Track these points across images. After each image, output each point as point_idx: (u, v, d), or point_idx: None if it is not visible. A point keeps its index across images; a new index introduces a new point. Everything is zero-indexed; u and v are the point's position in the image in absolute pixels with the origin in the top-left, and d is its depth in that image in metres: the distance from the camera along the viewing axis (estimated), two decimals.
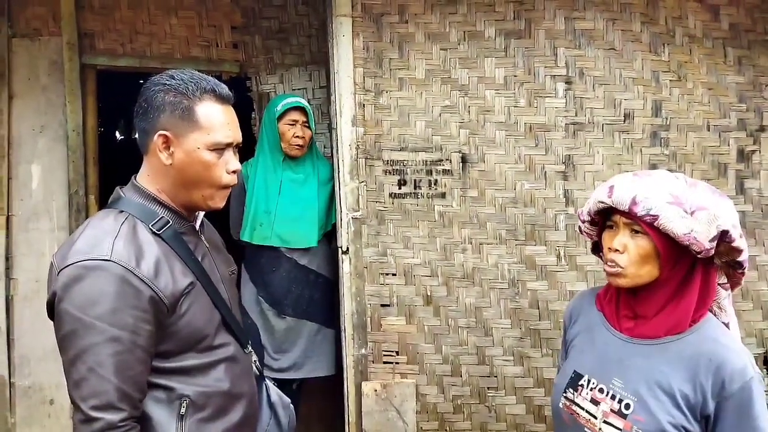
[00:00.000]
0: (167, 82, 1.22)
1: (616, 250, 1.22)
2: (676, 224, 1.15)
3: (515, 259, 2.52)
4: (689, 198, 1.18)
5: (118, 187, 1.29)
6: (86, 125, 2.85)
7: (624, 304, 1.30)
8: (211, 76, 1.29)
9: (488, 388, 2.52)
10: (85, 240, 1.15)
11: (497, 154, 2.51)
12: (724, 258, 1.22)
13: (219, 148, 1.21)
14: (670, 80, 2.53)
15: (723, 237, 1.17)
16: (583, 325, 1.40)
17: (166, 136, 1.21)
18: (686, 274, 1.22)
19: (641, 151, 2.52)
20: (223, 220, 2.67)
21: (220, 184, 1.24)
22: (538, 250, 2.52)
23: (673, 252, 1.20)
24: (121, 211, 1.22)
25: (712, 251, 1.18)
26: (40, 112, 2.83)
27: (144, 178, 1.27)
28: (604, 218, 1.30)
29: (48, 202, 2.84)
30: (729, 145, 2.56)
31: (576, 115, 2.51)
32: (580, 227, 1.39)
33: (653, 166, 2.51)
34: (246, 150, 2.64)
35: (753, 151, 2.58)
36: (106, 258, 1.11)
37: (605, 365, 1.28)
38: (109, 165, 3.21)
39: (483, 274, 2.51)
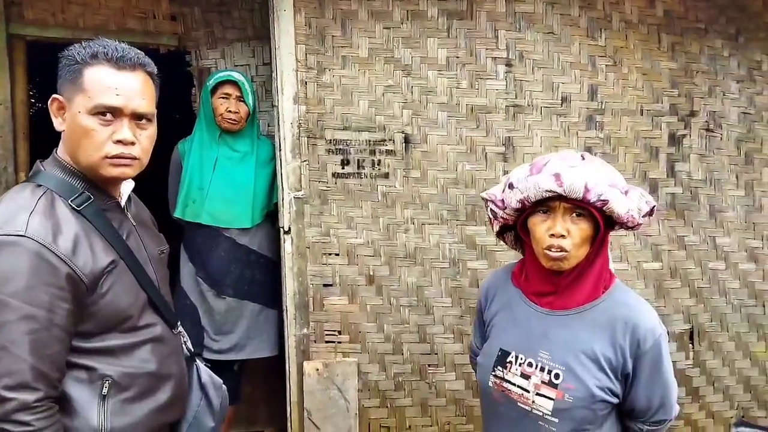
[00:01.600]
0: (69, 49, 1.19)
1: (561, 236, 1.26)
2: (620, 205, 1.25)
3: (456, 239, 2.55)
4: (615, 179, 1.28)
5: (38, 161, 1.25)
6: (15, 98, 2.71)
7: (543, 280, 1.35)
8: (148, 49, 1.24)
9: (429, 365, 2.57)
10: None
11: (439, 134, 2.52)
12: (619, 227, 1.35)
13: (101, 113, 1.16)
14: (606, 65, 2.59)
15: (652, 211, 1.30)
16: (501, 303, 1.44)
17: (59, 101, 1.19)
18: (597, 248, 1.30)
19: (577, 134, 2.59)
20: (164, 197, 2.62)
21: (102, 152, 1.17)
22: (479, 230, 2.56)
23: (595, 231, 1.28)
24: (39, 185, 1.18)
25: (641, 226, 1.30)
26: None
27: (60, 148, 1.23)
28: (534, 206, 1.31)
29: None
30: (661, 130, 2.66)
31: (516, 98, 2.55)
32: (493, 212, 1.40)
33: (588, 149, 2.59)
34: (189, 128, 2.59)
35: (683, 136, 2.68)
36: (20, 233, 1.08)
37: (530, 340, 1.33)
38: (45, 141, 3.07)
39: (425, 253, 2.54)
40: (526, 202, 1.30)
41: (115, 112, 1.16)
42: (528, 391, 1.29)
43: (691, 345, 2.73)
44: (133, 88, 1.18)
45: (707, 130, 2.71)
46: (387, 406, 2.56)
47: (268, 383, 2.89)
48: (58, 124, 1.20)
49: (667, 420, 1.33)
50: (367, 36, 2.47)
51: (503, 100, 2.54)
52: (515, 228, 1.43)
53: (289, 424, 2.51)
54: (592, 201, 1.23)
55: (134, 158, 1.20)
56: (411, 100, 2.50)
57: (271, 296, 2.55)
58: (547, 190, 1.25)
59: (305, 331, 2.48)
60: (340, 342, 2.53)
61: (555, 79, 2.56)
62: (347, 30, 2.46)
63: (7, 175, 2.70)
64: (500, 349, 1.37)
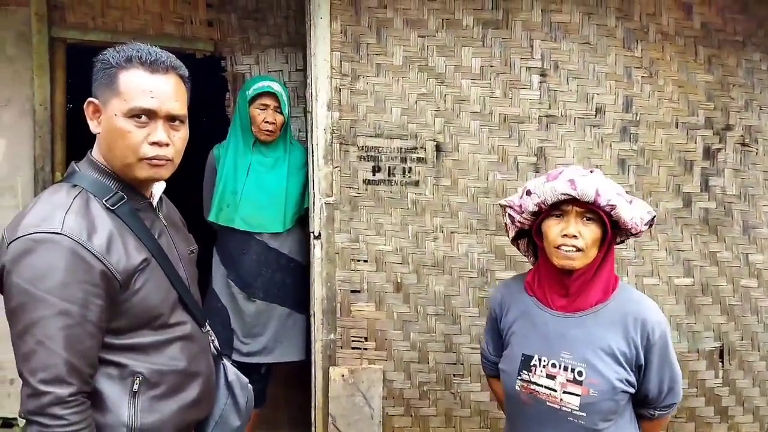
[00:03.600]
0: (103, 53, 1.22)
1: (573, 236, 1.37)
2: (626, 212, 1.38)
3: (485, 249, 2.54)
4: (621, 190, 1.41)
5: (73, 162, 1.27)
6: (54, 100, 2.78)
7: (557, 285, 1.46)
8: (185, 54, 1.27)
9: (454, 375, 2.56)
10: (35, 213, 1.13)
11: (471, 143, 2.52)
12: (623, 236, 1.49)
13: (136, 116, 1.18)
14: (642, 76, 2.57)
15: (652, 221, 1.44)
16: (517, 312, 1.53)
17: (94, 104, 1.21)
18: (604, 252, 1.42)
19: (611, 145, 2.57)
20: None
21: (138, 154, 1.19)
22: (508, 241, 2.53)
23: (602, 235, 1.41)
24: (75, 186, 1.20)
25: (642, 234, 1.45)
26: (6, 84, 2.74)
27: (95, 150, 1.26)
28: (549, 209, 1.43)
29: (13, 177, 2.77)
30: (696, 143, 2.63)
31: (549, 108, 2.54)
32: (511, 217, 1.53)
33: (622, 161, 2.56)
34: (222, 132, 2.62)
35: (718, 150, 2.64)
36: (56, 231, 1.10)
37: (550, 342, 1.43)
38: (78, 143, 3.13)
39: (453, 262, 2.54)
40: (542, 206, 1.42)
41: (150, 115, 1.19)
42: (555, 390, 1.40)
43: (720, 363, 2.68)
44: (167, 90, 1.20)
45: (743, 144, 2.66)
46: (411, 415, 2.55)
47: (292, 387, 2.90)
48: (93, 126, 1.22)
49: (675, 404, 1.48)
50: (402, 44, 2.48)
51: (536, 110, 2.53)
52: (529, 234, 1.55)
53: (313, 429, 2.52)
54: (601, 205, 1.35)
55: (168, 159, 1.22)
56: (443, 108, 2.51)
57: (300, 300, 2.56)
58: (562, 193, 1.37)
59: (332, 336, 2.49)
60: (366, 349, 2.53)
61: (590, 90, 2.54)
62: (382, 38, 2.47)
63: (44, 174, 2.76)
64: (523, 354, 1.46)
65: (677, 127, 2.61)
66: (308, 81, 2.48)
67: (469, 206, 2.53)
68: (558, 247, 1.38)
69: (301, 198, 2.56)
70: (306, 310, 2.56)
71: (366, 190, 2.50)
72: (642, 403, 1.46)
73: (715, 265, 2.65)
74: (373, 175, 2.50)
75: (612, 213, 1.37)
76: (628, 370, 1.39)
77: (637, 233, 1.43)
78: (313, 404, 2.52)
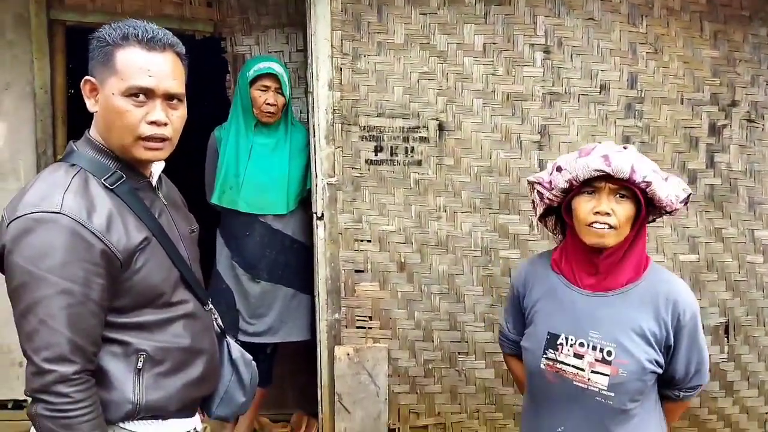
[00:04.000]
0: (100, 31, 1.20)
1: (606, 213, 1.34)
2: (662, 189, 1.34)
3: (488, 228, 2.54)
4: (656, 167, 1.37)
5: (71, 141, 1.27)
6: (54, 83, 2.77)
7: (586, 263, 1.42)
8: (184, 35, 1.25)
9: (459, 353, 2.57)
10: (35, 193, 1.13)
11: (474, 122, 2.50)
12: (657, 215, 1.47)
13: (134, 94, 1.16)
14: (647, 53, 2.54)
15: (688, 199, 1.41)
16: (542, 289, 1.50)
17: (91, 83, 1.20)
18: (636, 231, 1.39)
19: (615, 122, 2.54)
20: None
21: (135, 133, 1.18)
22: (512, 219, 2.54)
23: (636, 213, 1.38)
24: (73, 165, 1.20)
25: (677, 212, 1.41)
26: (6, 68, 2.73)
27: (93, 129, 1.25)
28: (580, 186, 1.40)
29: (15, 161, 2.77)
30: (701, 119, 2.60)
31: (553, 85, 2.51)
32: (540, 194, 1.49)
33: (626, 138, 2.54)
34: (223, 113, 2.61)
35: (724, 126, 2.62)
36: (56, 210, 1.10)
37: (578, 321, 1.41)
38: (80, 126, 3.13)
39: (456, 241, 2.54)
40: (574, 182, 1.38)
41: (148, 93, 1.17)
42: (583, 370, 1.38)
43: (726, 339, 2.68)
44: (165, 68, 1.19)
45: (748, 120, 2.64)
46: (417, 392, 2.58)
47: (298, 367, 2.92)
48: (90, 105, 1.22)
49: (700, 385, 1.46)
50: (403, 22, 2.45)
51: (540, 87, 2.50)
52: (558, 212, 1.51)
53: (320, 407, 2.54)
54: (637, 181, 1.31)
55: (166, 139, 1.22)
56: (446, 87, 2.48)
57: (305, 281, 2.58)
58: (595, 170, 1.33)
59: (337, 316, 2.50)
60: (370, 328, 2.54)
61: (594, 67, 2.51)
62: (383, 16, 2.44)
63: (47, 158, 2.76)
64: (548, 332, 1.44)
65: (682, 104, 2.58)
66: (309, 61, 2.46)
67: (473, 185, 2.52)
68: (590, 225, 1.35)
69: (304, 179, 2.56)
70: (310, 290, 2.57)
71: (368, 170, 2.49)
72: (668, 384, 1.45)
73: (720, 241, 2.65)
74: (376, 155, 2.49)
75: (647, 190, 1.33)
76: (658, 350, 1.37)
77: (672, 211, 1.40)
78: (319, 383, 2.54)
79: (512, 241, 2.55)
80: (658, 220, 1.56)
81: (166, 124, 1.20)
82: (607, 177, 1.33)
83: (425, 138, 2.49)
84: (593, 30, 2.51)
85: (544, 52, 2.50)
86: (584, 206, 1.37)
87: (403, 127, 2.49)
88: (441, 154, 2.50)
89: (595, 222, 1.34)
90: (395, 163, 2.50)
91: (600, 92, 2.53)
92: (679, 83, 2.57)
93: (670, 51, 2.55)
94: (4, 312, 2.61)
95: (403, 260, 2.53)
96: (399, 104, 2.47)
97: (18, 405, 2.81)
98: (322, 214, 2.45)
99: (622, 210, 1.34)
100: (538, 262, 1.57)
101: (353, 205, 2.49)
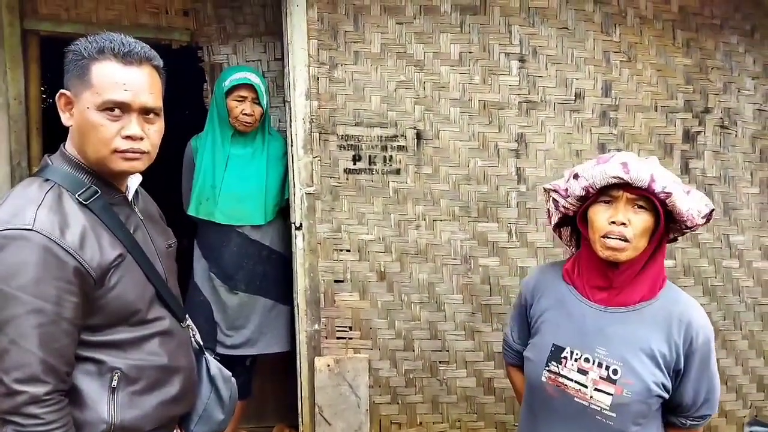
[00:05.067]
0: (75, 43, 1.19)
1: (622, 224, 1.27)
2: (683, 202, 1.26)
3: (468, 236, 2.55)
4: (677, 179, 1.30)
5: (46, 155, 1.25)
6: (29, 94, 2.72)
7: (599, 276, 1.36)
8: (161, 44, 1.24)
9: (440, 362, 2.56)
10: (6, 209, 1.11)
11: (451, 130, 2.51)
12: (677, 233, 1.37)
13: (109, 108, 1.15)
14: (621, 61, 2.57)
15: (710, 215, 1.31)
16: (551, 299, 1.44)
17: (66, 96, 1.18)
18: (655, 247, 1.33)
19: (591, 130, 2.57)
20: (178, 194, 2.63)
21: (110, 147, 1.16)
22: (490, 227, 2.55)
23: (656, 227, 1.30)
24: (47, 180, 1.18)
25: (698, 228, 1.32)
26: None
27: (68, 143, 1.23)
28: (596, 195, 1.34)
29: None
30: (675, 126, 2.64)
31: (529, 94, 2.53)
32: (555, 201, 1.43)
33: (602, 146, 2.57)
34: (200, 123, 2.59)
35: (698, 132, 2.66)
36: (28, 227, 1.07)
37: (586, 336, 1.35)
38: (55, 138, 3.09)
39: (436, 250, 2.54)
40: (590, 190, 1.32)
41: (124, 108, 1.16)
42: (586, 387, 1.32)
43: None
44: (141, 83, 1.18)
45: (722, 127, 2.68)
46: (398, 403, 2.56)
47: (278, 378, 2.89)
48: (65, 119, 1.20)
49: (709, 415, 1.37)
50: (380, 31, 2.46)
51: (516, 95, 2.52)
52: (573, 222, 1.45)
53: (300, 420, 2.52)
54: (656, 191, 1.25)
55: (143, 152, 1.20)
56: (423, 95, 2.49)
57: (283, 292, 2.55)
58: (613, 176, 1.27)
59: (316, 327, 2.48)
60: (351, 338, 2.53)
61: (569, 75, 2.54)
62: (360, 25, 2.45)
63: (21, 170, 2.71)
64: (553, 344, 1.38)
65: (656, 111, 2.62)
66: (286, 70, 2.46)
67: (451, 193, 2.53)
68: (605, 236, 1.29)
69: (282, 189, 2.54)
70: (289, 301, 2.55)
71: (347, 179, 2.48)
72: (674, 410, 1.36)
73: (696, 246, 2.68)
74: (354, 164, 2.48)
75: (667, 202, 1.26)
76: (666, 373, 1.30)
77: (692, 227, 1.31)
78: (299, 395, 2.51)
79: (491, 248, 2.56)
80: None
81: (142, 139, 1.18)
82: (624, 185, 1.27)
83: (403, 147, 2.50)
84: (567, 39, 2.54)
85: (520, 60, 2.52)
86: (600, 215, 1.31)
87: (381, 136, 2.49)
88: (419, 162, 2.51)
89: (611, 232, 1.28)
90: (374, 172, 2.49)
91: (575, 100, 2.56)
92: (652, 91, 2.61)
93: (644, 59, 2.59)
94: None
95: (382, 269, 2.52)
96: (376, 113, 2.48)
97: None
98: (301, 224, 2.44)
99: (639, 221, 1.28)
100: (549, 271, 1.51)
101: (332, 215, 2.48)
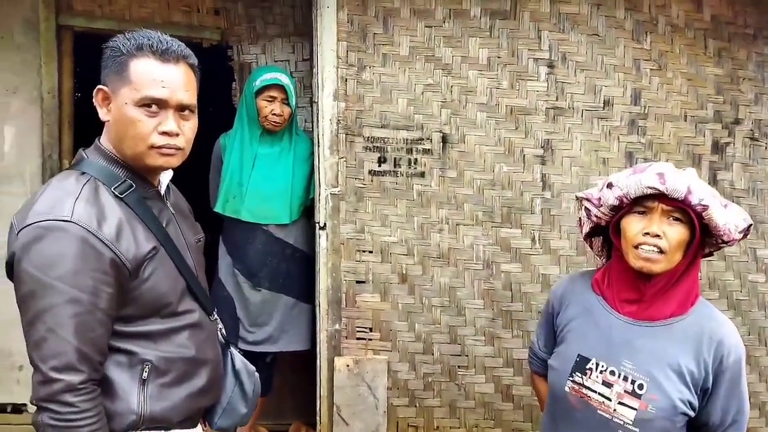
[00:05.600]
0: (114, 40, 1.21)
1: (656, 235, 1.25)
2: (720, 215, 1.24)
3: (490, 241, 2.54)
4: (715, 192, 1.27)
5: (81, 149, 1.27)
6: (62, 88, 2.79)
7: (630, 288, 1.34)
8: (192, 43, 1.26)
9: (459, 366, 2.56)
10: (45, 201, 1.13)
11: (477, 135, 2.51)
12: (714, 248, 1.34)
13: (147, 105, 1.17)
14: (651, 69, 2.55)
15: (748, 230, 1.29)
16: (579, 309, 1.42)
17: (104, 92, 1.20)
18: (690, 261, 1.30)
19: (618, 138, 2.55)
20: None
21: (147, 143, 1.18)
22: (514, 233, 2.54)
23: (692, 240, 1.27)
24: (83, 173, 1.20)
25: (735, 243, 1.29)
26: (15, 72, 2.75)
27: (103, 137, 1.26)
28: (631, 205, 1.31)
29: (21, 165, 2.78)
30: (704, 137, 2.60)
31: (557, 100, 2.52)
32: (587, 210, 1.41)
33: (629, 155, 2.55)
34: (228, 121, 2.62)
35: (727, 144, 2.62)
36: (66, 219, 1.10)
37: (613, 348, 1.32)
38: (86, 131, 3.15)
39: (458, 254, 2.53)
40: (624, 200, 1.30)
41: (161, 104, 1.18)
42: (610, 400, 1.30)
43: None
44: (178, 80, 1.20)
45: (752, 138, 2.64)
46: (416, 406, 2.56)
47: (298, 376, 2.91)
48: (102, 114, 1.22)
49: None
50: (409, 34, 2.47)
51: (544, 101, 2.51)
52: (605, 232, 1.43)
53: (318, 418, 2.53)
54: (693, 203, 1.22)
55: (179, 148, 1.22)
56: (450, 99, 2.50)
57: (306, 290, 2.57)
58: (649, 187, 1.24)
59: (337, 326, 2.50)
60: (371, 339, 2.53)
61: (597, 82, 2.52)
62: (389, 28, 2.46)
63: (52, 162, 2.77)
64: (579, 354, 1.36)
65: (686, 121, 2.59)
66: (314, 71, 2.48)
67: (475, 198, 2.53)
68: (637, 247, 1.26)
69: (307, 189, 2.56)
70: (311, 300, 2.57)
71: (371, 181, 2.50)
72: (700, 430, 1.32)
73: (722, 260, 2.64)
74: (379, 165, 2.49)
75: (703, 214, 1.23)
76: (693, 391, 1.27)
77: (729, 241, 1.28)
78: (318, 394, 2.53)
79: (514, 254, 2.55)
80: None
81: (177, 135, 1.21)
82: (660, 196, 1.24)
83: (428, 150, 2.50)
84: (597, 45, 2.52)
85: (548, 66, 2.51)
86: (634, 226, 1.28)
87: (407, 139, 2.49)
88: (444, 166, 2.51)
89: (644, 244, 1.25)
90: (398, 175, 2.50)
91: (603, 108, 2.54)
92: (682, 100, 2.58)
93: (674, 68, 2.56)
94: (5, 316, 2.62)
95: (404, 272, 2.52)
96: (403, 116, 2.49)
97: (17, 409, 2.80)
98: (325, 224, 2.46)
99: (674, 233, 1.25)
100: (579, 280, 1.48)
101: (356, 216, 2.49)
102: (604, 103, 2.54)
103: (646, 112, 2.56)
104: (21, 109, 2.76)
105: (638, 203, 1.29)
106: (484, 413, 2.58)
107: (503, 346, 2.56)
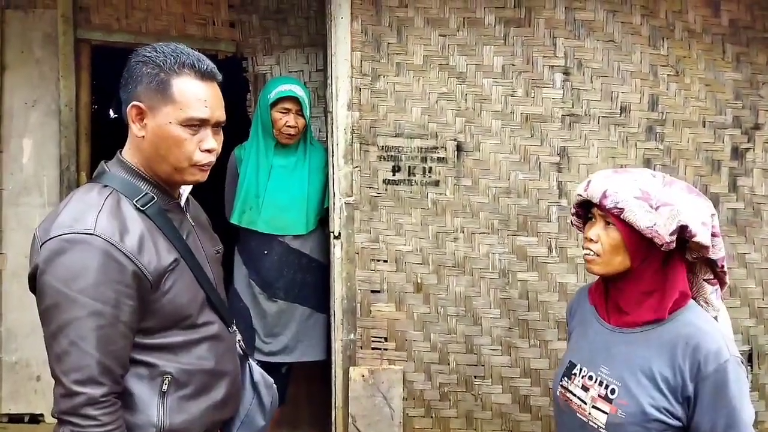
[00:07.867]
0: (148, 54, 1.20)
1: (591, 240, 1.32)
2: (639, 217, 1.24)
3: (506, 250, 2.52)
4: (657, 194, 1.25)
5: (103, 161, 1.28)
6: (79, 101, 2.83)
7: (602, 294, 1.41)
8: (207, 55, 1.27)
9: (475, 376, 2.53)
10: (68, 213, 1.14)
11: (492, 143, 2.50)
12: (695, 254, 1.29)
13: (192, 125, 1.19)
14: (668, 75, 2.52)
15: (682, 231, 1.23)
16: (579, 319, 1.49)
17: (139, 108, 1.20)
18: (660, 267, 1.30)
19: (636, 145, 2.52)
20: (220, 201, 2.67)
21: (191, 161, 1.21)
22: (530, 241, 2.52)
23: (641, 244, 1.27)
24: (105, 186, 1.21)
25: (673, 244, 1.24)
26: (33, 85, 2.80)
27: (126, 151, 1.26)
28: (587, 211, 1.39)
29: (39, 177, 2.82)
30: (723, 143, 2.57)
31: (573, 107, 2.50)
32: (572, 221, 1.49)
33: (647, 161, 2.52)
34: (243, 132, 2.64)
35: (747, 149, 2.58)
36: (89, 232, 1.10)
37: (594, 354, 1.37)
38: (102, 143, 3.19)
39: (474, 263, 2.52)
40: (577, 209, 1.41)
41: (203, 123, 1.21)
42: (585, 403, 1.34)
43: (749, 367, 2.61)
44: (217, 99, 1.23)
45: None
46: (432, 416, 2.54)
47: (313, 386, 2.90)
48: (137, 129, 1.21)
49: None
50: (423, 43, 2.47)
51: (559, 108, 2.50)
52: None
53: (333, 429, 2.52)
54: (607, 207, 1.26)
55: (212, 163, 1.26)
56: (464, 107, 2.49)
57: (321, 300, 2.56)
58: (577, 194, 1.35)
59: (352, 336, 2.48)
60: (386, 349, 2.52)
61: (614, 89, 2.50)
62: (403, 37, 2.46)
63: (69, 174, 2.81)
64: (570, 361, 1.42)
65: (704, 127, 2.55)
66: (328, 81, 2.48)
67: (490, 206, 2.51)
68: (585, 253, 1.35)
69: (323, 199, 2.56)
70: (327, 310, 2.56)
71: (386, 190, 2.49)
72: None
73: (743, 266, 2.59)
74: (393, 174, 2.49)
75: (621, 217, 1.25)
76: (671, 399, 1.24)
77: (662, 244, 1.23)
78: (333, 404, 2.52)
79: (530, 263, 2.53)
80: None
81: (216, 151, 1.24)
82: (597, 203, 1.30)
83: (443, 158, 2.49)
84: (613, 52, 2.50)
85: (564, 73, 2.49)
86: (584, 233, 1.37)
87: (421, 148, 2.49)
88: (459, 174, 2.50)
89: (586, 248, 1.34)
90: (413, 183, 2.49)
91: (620, 114, 2.51)
92: (700, 106, 2.54)
93: (692, 73, 2.54)
94: (24, 327, 2.66)
95: (419, 281, 2.51)
96: (417, 124, 2.48)
97: (34, 419, 2.82)
98: (339, 233, 2.45)
99: (606, 237, 1.30)
100: (582, 292, 1.54)
101: (370, 225, 2.49)
102: (621, 109, 2.51)
103: (663, 118, 2.53)
104: (39, 121, 2.81)
105: (589, 211, 1.36)
106: (501, 424, 2.54)
107: (520, 355, 2.53)
